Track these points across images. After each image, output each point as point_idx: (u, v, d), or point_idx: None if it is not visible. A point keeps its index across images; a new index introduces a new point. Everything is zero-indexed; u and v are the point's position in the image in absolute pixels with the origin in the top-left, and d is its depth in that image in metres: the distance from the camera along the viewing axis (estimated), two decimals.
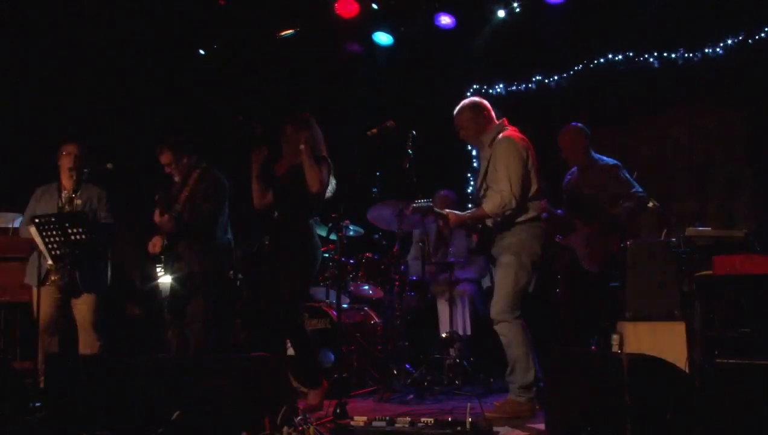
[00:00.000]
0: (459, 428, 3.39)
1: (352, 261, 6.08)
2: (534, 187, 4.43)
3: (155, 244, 4.90)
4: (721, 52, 6.43)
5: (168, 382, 3.73)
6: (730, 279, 3.89)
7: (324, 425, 3.84)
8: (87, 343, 5.14)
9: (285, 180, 4.82)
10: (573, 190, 5.52)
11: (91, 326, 5.14)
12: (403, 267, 5.84)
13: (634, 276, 4.47)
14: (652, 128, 6.97)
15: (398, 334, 5.78)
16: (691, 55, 6.61)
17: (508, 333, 4.33)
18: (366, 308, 6.34)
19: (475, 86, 7.89)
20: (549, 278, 5.54)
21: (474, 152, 7.61)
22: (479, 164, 4.93)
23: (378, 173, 5.86)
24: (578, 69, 7.27)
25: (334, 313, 5.38)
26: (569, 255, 5.41)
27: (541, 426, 3.75)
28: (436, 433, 3.41)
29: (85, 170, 5.06)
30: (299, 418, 3.55)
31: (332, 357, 5.59)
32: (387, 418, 3.56)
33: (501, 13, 6.99)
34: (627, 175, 5.43)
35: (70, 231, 4.63)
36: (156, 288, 4.99)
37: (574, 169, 5.59)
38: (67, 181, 5.26)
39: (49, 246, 4.72)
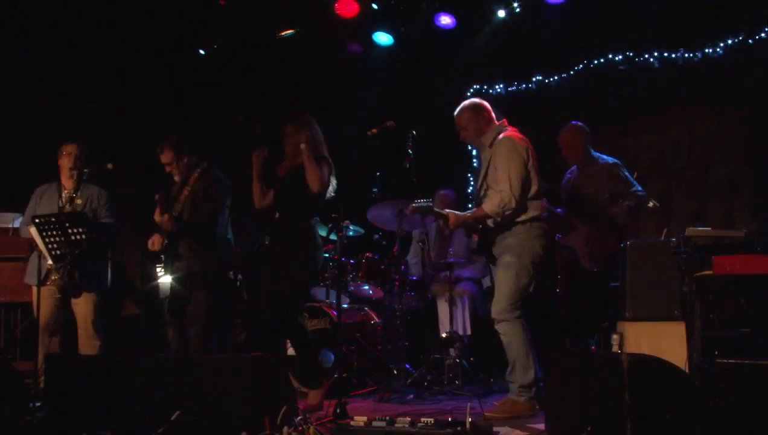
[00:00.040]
0: (459, 428, 3.39)
1: (352, 261, 6.08)
2: (534, 187, 4.43)
3: (154, 242, 4.90)
4: (721, 52, 6.43)
5: (168, 382, 3.73)
6: (730, 279, 3.88)
7: (324, 425, 3.84)
8: (87, 343, 5.14)
9: (286, 180, 4.82)
10: (573, 188, 5.52)
11: (91, 326, 5.14)
12: (403, 267, 5.84)
13: (634, 276, 4.46)
14: (652, 128, 6.97)
15: (398, 334, 5.78)
16: (691, 55, 6.61)
17: (509, 332, 4.33)
18: (366, 308, 6.34)
19: (475, 86, 7.90)
20: (549, 278, 5.54)
21: (474, 152, 7.61)
22: (479, 164, 4.93)
23: (378, 173, 5.86)
24: (578, 69, 7.27)
25: (334, 313, 5.38)
26: (569, 254, 5.41)
27: (541, 426, 3.75)
28: (436, 433, 3.41)
29: (86, 170, 5.06)
30: (299, 418, 3.55)
31: (332, 357, 5.59)
32: (387, 418, 3.55)
33: (501, 13, 6.99)
34: (627, 173, 5.43)
35: (70, 231, 4.63)
36: (156, 288, 4.99)
37: (574, 167, 5.59)
38: (67, 181, 5.26)
39: (49, 246, 4.72)
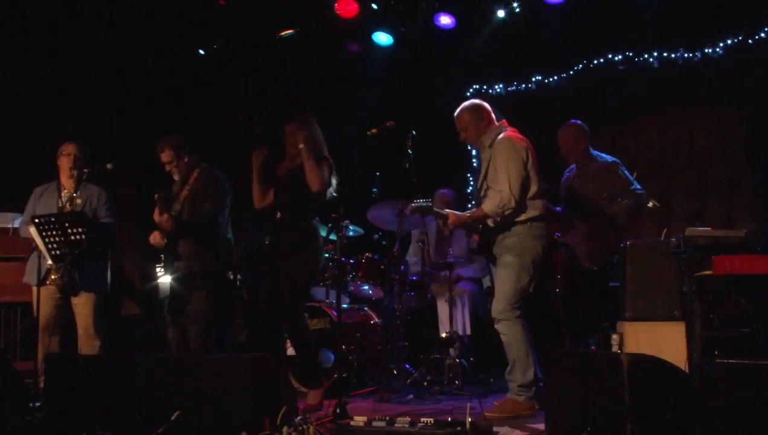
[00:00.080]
0: (459, 428, 3.39)
1: (352, 261, 6.08)
2: (534, 187, 4.43)
3: (155, 236, 4.90)
4: (721, 52, 6.43)
5: (168, 382, 3.73)
6: (730, 279, 3.88)
7: (324, 425, 3.84)
8: (87, 343, 5.14)
9: (286, 180, 4.83)
10: (572, 187, 5.52)
11: (91, 326, 5.14)
12: (403, 267, 5.84)
13: (634, 276, 4.46)
14: (652, 128, 6.97)
15: (398, 334, 5.78)
16: (691, 55, 6.61)
17: (509, 332, 4.34)
18: (366, 308, 6.35)
19: (475, 86, 7.90)
20: (549, 278, 5.54)
21: (474, 152, 7.62)
22: (479, 165, 4.93)
23: (378, 173, 5.87)
24: (578, 69, 7.28)
25: (334, 313, 5.39)
26: (568, 253, 5.41)
27: (541, 426, 3.75)
28: (436, 433, 3.41)
29: (85, 170, 5.06)
30: (299, 418, 3.55)
31: (332, 357, 5.59)
32: (387, 418, 3.56)
33: (501, 13, 6.99)
34: (626, 172, 5.42)
35: (70, 231, 4.64)
36: (156, 288, 4.99)
37: (573, 166, 5.59)
38: (66, 181, 5.26)
39: (49, 246, 4.72)
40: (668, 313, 4.30)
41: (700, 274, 4.02)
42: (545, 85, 7.55)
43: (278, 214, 4.78)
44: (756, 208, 6.21)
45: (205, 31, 7.46)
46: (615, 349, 4.38)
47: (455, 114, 4.65)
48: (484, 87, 7.89)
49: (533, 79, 7.62)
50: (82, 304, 5.14)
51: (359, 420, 3.61)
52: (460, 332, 6.05)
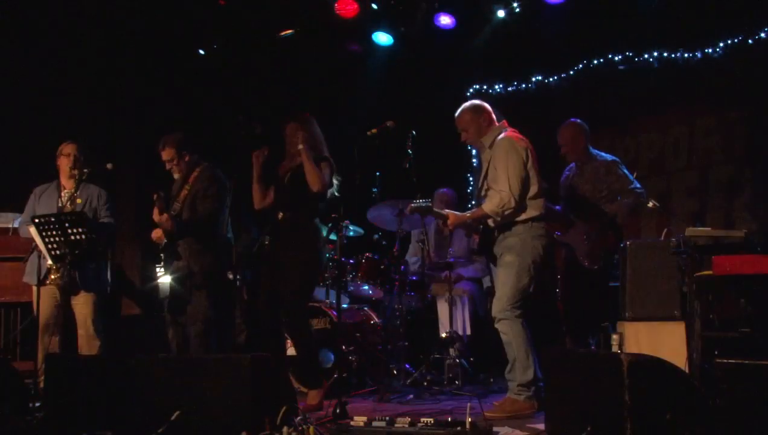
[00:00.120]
0: (459, 428, 3.39)
1: (352, 261, 6.08)
2: (534, 187, 4.44)
3: (158, 232, 4.90)
4: (721, 52, 6.43)
5: (168, 382, 3.73)
6: (730, 279, 3.88)
7: (324, 425, 3.84)
8: (87, 343, 5.14)
9: (288, 180, 4.83)
10: (571, 186, 5.52)
11: (91, 326, 5.13)
12: (403, 267, 5.84)
13: (634, 276, 4.46)
14: (652, 128, 6.97)
15: (398, 334, 5.78)
16: (691, 55, 6.62)
17: (509, 331, 4.34)
18: (366, 308, 6.34)
19: (475, 86, 7.90)
20: (549, 277, 5.54)
21: (474, 152, 7.62)
22: (480, 165, 4.93)
23: (378, 173, 5.86)
24: (578, 69, 7.28)
25: (334, 313, 5.39)
26: (568, 252, 5.41)
27: (541, 426, 3.75)
28: (436, 433, 3.41)
29: (85, 170, 5.06)
30: (299, 418, 3.55)
31: (332, 357, 5.59)
32: (387, 418, 3.55)
33: (501, 13, 6.99)
34: (625, 171, 5.42)
35: (70, 231, 4.63)
36: (156, 288, 4.99)
37: (573, 165, 5.59)
38: (66, 181, 5.26)
39: (49, 246, 4.72)
40: (668, 313, 4.30)
41: (700, 274, 4.02)
42: (545, 85, 7.55)
43: (280, 214, 4.78)
44: (756, 208, 6.21)
45: (205, 31, 7.46)
46: (615, 349, 4.38)
47: (456, 114, 4.65)
48: (484, 87, 7.89)
49: (533, 79, 7.62)
50: (82, 304, 5.14)
51: (359, 420, 3.60)
52: (460, 332, 6.05)
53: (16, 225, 5.70)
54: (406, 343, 5.79)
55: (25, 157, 6.37)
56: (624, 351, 4.28)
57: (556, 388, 3.56)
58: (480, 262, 6.28)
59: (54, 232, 4.66)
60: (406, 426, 3.48)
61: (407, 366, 5.81)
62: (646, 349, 4.11)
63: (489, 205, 4.40)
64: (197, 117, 7.13)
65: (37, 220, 4.71)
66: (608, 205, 5.32)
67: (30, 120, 6.59)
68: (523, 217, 4.42)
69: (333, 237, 5.34)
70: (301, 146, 4.67)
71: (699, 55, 6.56)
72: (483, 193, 4.57)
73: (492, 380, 5.61)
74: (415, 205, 4.69)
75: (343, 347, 5.68)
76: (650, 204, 5.14)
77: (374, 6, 7.15)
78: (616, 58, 7.00)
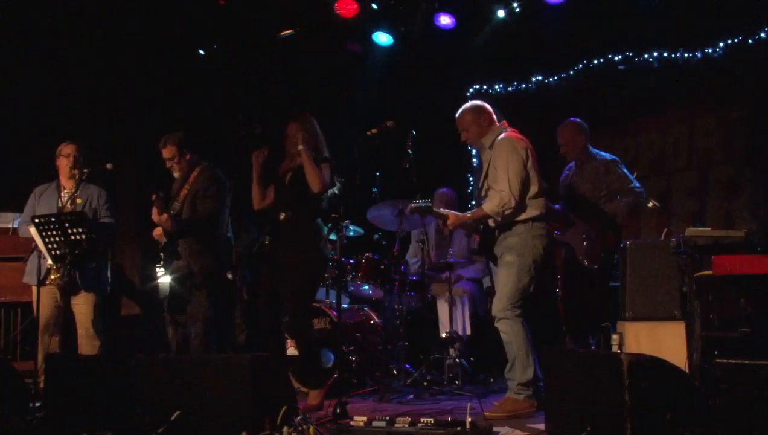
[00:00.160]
0: (459, 428, 3.39)
1: (352, 261, 6.07)
2: (535, 187, 4.44)
3: (158, 231, 4.90)
4: (721, 52, 6.43)
5: (168, 382, 3.73)
6: (730, 279, 3.88)
7: (324, 425, 3.84)
8: (87, 343, 5.14)
9: (288, 181, 4.83)
10: (570, 185, 5.52)
11: (91, 326, 5.13)
12: (403, 267, 5.84)
13: (634, 276, 4.47)
14: (652, 128, 6.97)
15: (398, 334, 5.78)
16: (691, 55, 6.62)
17: (509, 330, 4.35)
18: (366, 308, 6.34)
19: (475, 86, 7.90)
20: (549, 277, 5.54)
21: (474, 152, 7.62)
22: (480, 165, 4.94)
23: (378, 173, 5.86)
24: (578, 69, 7.28)
25: (334, 313, 5.39)
26: (568, 252, 5.41)
27: (541, 426, 3.75)
28: (436, 433, 3.41)
29: (85, 170, 5.06)
30: (299, 418, 3.55)
31: (332, 357, 5.60)
32: (387, 418, 3.56)
33: (501, 13, 6.99)
34: (625, 170, 5.42)
35: (70, 231, 4.63)
36: (156, 288, 4.99)
37: (572, 164, 5.59)
38: (66, 182, 5.26)
39: (49, 246, 4.72)
40: (668, 313, 4.30)
41: (700, 274, 4.02)
42: (545, 85, 7.55)
43: (282, 215, 4.78)
44: (756, 208, 6.21)
45: (205, 31, 7.46)
46: (615, 349, 4.38)
47: (457, 114, 4.66)
48: (484, 87, 7.89)
49: (533, 79, 7.62)
50: (82, 304, 5.14)
51: (359, 420, 3.60)
52: (460, 332, 6.05)
53: (16, 225, 5.70)
54: (406, 343, 5.79)
55: (25, 157, 6.37)
56: (624, 351, 4.28)
57: (556, 388, 3.57)
58: (480, 263, 6.28)
59: (54, 232, 4.66)
60: (406, 426, 3.49)
61: (407, 366, 5.81)
62: (646, 349, 4.11)
63: (489, 205, 4.41)
64: (197, 117, 7.13)
65: (37, 220, 4.71)
66: (608, 204, 5.32)
67: (30, 120, 6.59)
68: (523, 216, 4.43)
69: (333, 237, 5.34)
70: (301, 147, 4.68)
71: (699, 55, 6.56)
72: (483, 193, 4.57)
73: (492, 380, 5.61)
74: (415, 205, 4.69)
75: (343, 347, 5.68)
76: (650, 204, 5.14)
77: (374, 6, 7.15)
78: (616, 58, 7.00)
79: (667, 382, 3.01)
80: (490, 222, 4.53)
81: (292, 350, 5.30)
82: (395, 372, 5.69)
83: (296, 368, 5.18)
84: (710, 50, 6.48)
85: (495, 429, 3.73)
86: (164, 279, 4.90)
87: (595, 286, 5.23)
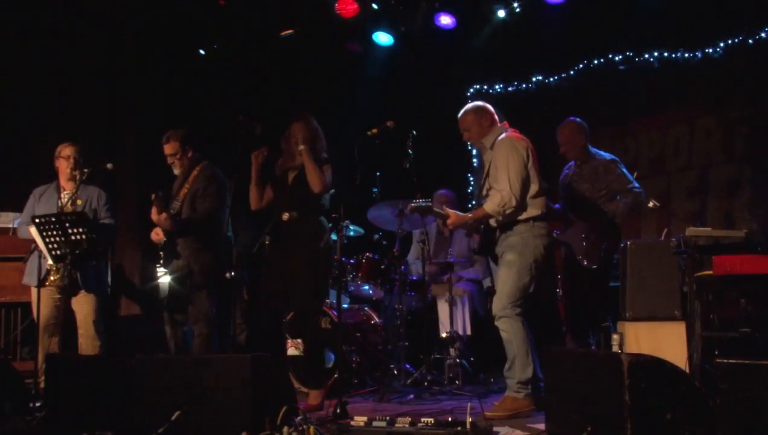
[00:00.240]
0: (459, 428, 3.39)
1: (352, 261, 6.08)
2: (535, 187, 4.45)
3: (158, 232, 4.90)
4: (721, 52, 6.43)
5: (168, 382, 3.73)
6: (730, 279, 3.88)
7: (324, 425, 3.84)
8: (87, 343, 5.14)
9: (293, 181, 4.83)
10: (570, 184, 5.52)
11: (92, 326, 5.14)
12: (403, 267, 5.84)
13: (634, 276, 4.47)
14: (652, 128, 6.97)
15: (398, 334, 5.78)
16: (691, 55, 6.62)
17: (509, 329, 4.35)
18: (366, 308, 6.34)
19: (475, 86, 7.90)
20: (550, 277, 5.54)
21: (474, 152, 7.62)
22: (480, 165, 4.94)
23: (378, 173, 5.86)
24: (578, 69, 7.28)
25: (334, 313, 5.38)
26: (567, 251, 5.41)
27: (542, 426, 3.75)
28: (436, 433, 3.41)
29: (86, 170, 5.06)
30: (299, 418, 3.55)
31: (332, 357, 5.59)
32: (387, 418, 3.56)
33: (501, 13, 6.99)
34: (624, 170, 5.42)
35: (70, 231, 4.63)
36: (156, 288, 4.99)
37: (572, 163, 5.59)
38: (66, 183, 5.25)
39: (50, 246, 4.72)
40: (668, 313, 4.30)
41: (700, 274, 4.03)
42: (545, 85, 7.55)
43: (285, 215, 4.78)
44: (756, 208, 6.21)
45: (205, 31, 7.46)
46: (615, 349, 4.38)
47: (459, 114, 4.67)
48: (484, 87, 7.89)
49: (533, 79, 7.62)
50: (83, 305, 5.14)
51: (359, 420, 3.61)
52: (461, 332, 6.05)
53: (15, 225, 5.70)
54: (407, 343, 5.79)
55: (25, 157, 6.37)
56: (624, 351, 4.29)
57: (556, 388, 3.57)
58: (480, 264, 6.28)
59: (54, 232, 4.66)
60: (407, 426, 3.49)
61: (407, 366, 5.81)
62: (646, 349, 4.11)
63: (490, 205, 4.41)
64: (197, 117, 7.13)
65: (37, 220, 4.71)
66: (607, 204, 5.32)
67: (30, 120, 6.59)
68: (524, 216, 4.43)
69: (333, 237, 5.34)
70: (302, 147, 4.68)
71: (699, 55, 6.56)
72: (485, 192, 4.58)
73: (492, 380, 5.61)
74: (416, 204, 4.70)
75: (343, 347, 5.68)
76: (650, 204, 5.14)
77: (374, 6, 7.15)
78: (616, 58, 7.00)
79: (667, 382, 3.01)
80: (491, 221, 4.53)
81: (292, 350, 5.30)
82: (395, 372, 5.69)
83: (296, 368, 5.17)
84: (710, 50, 6.48)
85: (495, 429, 3.73)
86: (164, 279, 4.90)
87: (595, 286, 5.23)
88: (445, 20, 7.12)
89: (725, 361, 2.89)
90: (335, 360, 5.46)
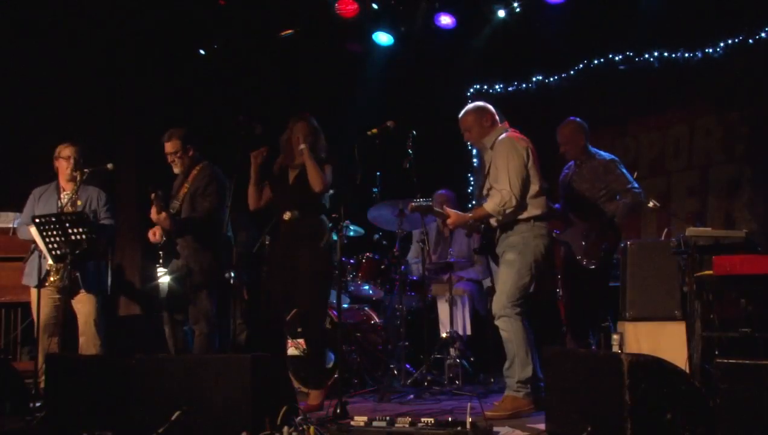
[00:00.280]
0: (459, 428, 3.39)
1: (352, 261, 6.08)
2: (535, 187, 4.45)
3: (155, 232, 4.90)
4: (721, 52, 6.44)
5: (168, 382, 3.73)
6: (730, 279, 3.88)
7: (324, 425, 3.84)
8: (89, 343, 5.14)
9: (294, 180, 4.83)
10: (570, 184, 5.52)
11: (93, 326, 5.14)
12: (403, 267, 5.84)
13: (634, 276, 4.47)
14: (652, 128, 6.97)
15: (398, 334, 5.78)
16: (691, 55, 6.62)
17: (509, 328, 4.35)
18: (366, 308, 6.34)
19: (475, 86, 7.90)
20: (550, 277, 5.54)
21: (474, 152, 7.62)
22: (480, 165, 4.94)
23: (378, 173, 5.86)
24: (578, 69, 7.28)
25: (334, 313, 5.39)
26: (566, 251, 5.41)
27: (542, 426, 3.75)
28: (436, 433, 3.41)
29: (86, 170, 5.05)
30: (299, 418, 3.55)
31: (332, 357, 5.59)
32: (387, 418, 3.56)
33: (501, 13, 6.99)
34: (624, 170, 5.42)
35: (70, 231, 4.63)
36: (156, 288, 4.99)
37: (572, 163, 5.59)
38: (65, 183, 5.25)
39: (50, 246, 4.72)
40: (668, 313, 4.30)
41: (700, 274, 4.02)
42: (545, 85, 7.56)
43: (288, 214, 4.78)
44: (756, 208, 6.21)
45: (205, 31, 7.46)
46: (615, 349, 4.38)
47: (460, 115, 4.67)
48: (484, 87, 7.89)
49: (533, 79, 7.62)
50: (84, 305, 5.14)
51: (360, 420, 3.61)
52: (461, 332, 6.05)
53: (15, 225, 5.70)
54: (407, 343, 5.79)
55: (25, 157, 6.37)
56: (624, 351, 4.28)
57: (556, 388, 3.57)
58: (480, 265, 6.28)
59: (54, 232, 4.66)
60: (407, 426, 3.49)
61: (407, 366, 5.81)
62: (647, 349, 4.11)
63: (490, 204, 4.42)
64: (197, 117, 7.13)
65: (37, 220, 4.71)
66: (607, 204, 5.32)
67: (30, 120, 6.58)
68: (525, 215, 4.44)
69: (333, 237, 5.34)
70: (302, 146, 4.69)
71: (699, 55, 6.56)
72: (485, 192, 4.58)
73: (492, 380, 5.61)
74: (416, 203, 4.70)
75: (344, 347, 5.68)
76: (650, 204, 5.14)
77: (374, 6, 7.15)
78: (616, 58, 7.00)
79: (667, 382, 3.01)
80: (492, 221, 4.54)
81: (292, 350, 5.30)
82: (395, 372, 5.69)
83: (296, 368, 5.18)
84: (710, 50, 6.49)
85: (495, 429, 3.73)
86: (164, 279, 4.90)
87: (595, 286, 5.23)
88: (445, 20, 7.12)
89: (725, 361, 2.89)
90: (335, 360, 5.47)
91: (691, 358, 3.99)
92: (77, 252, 4.64)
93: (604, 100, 7.01)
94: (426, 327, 5.64)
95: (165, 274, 4.88)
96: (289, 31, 7.37)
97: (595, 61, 7.14)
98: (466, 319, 6.17)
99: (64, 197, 5.20)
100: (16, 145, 6.53)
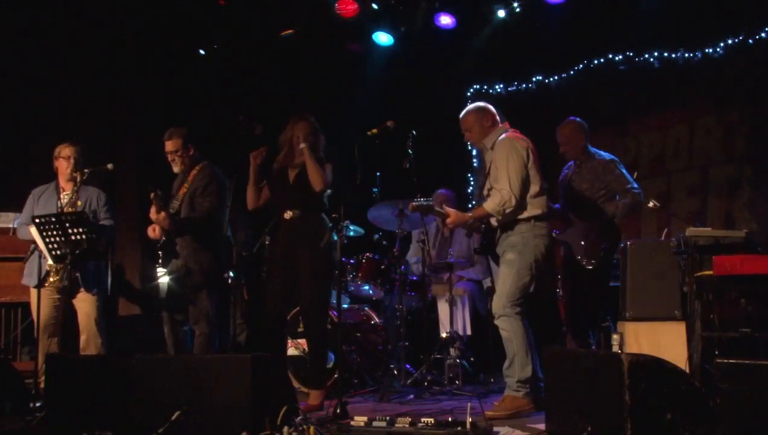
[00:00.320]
0: (459, 428, 3.39)
1: (352, 261, 6.08)
2: (536, 187, 4.45)
3: (155, 228, 4.90)
4: (721, 52, 6.44)
5: (168, 382, 3.73)
6: (730, 279, 3.89)
7: (324, 425, 3.84)
8: (89, 343, 5.14)
9: (295, 180, 4.83)
10: (569, 184, 5.53)
11: (94, 326, 5.14)
12: (403, 267, 5.84)
13: (634, 276, 4.47)
14: (652, 128, 6.97)
15: (398, 334, 5.78)
16: (691, 55, 6.62)
17: (509, 328, 4.35)
18: (366, 308, 6.34)
19: (475, 86, 7.91)
20: (550, 277, 5.54)
21: (474, 152, 7.62)
22: (481, 165, 4.94)
23: (378, 173, 5.87)
24: (578, 69, 7.28)
25: (334, 313, 5.39)
26: (566, 251, 5.41)
27: (542, 426, 3.75)
28: (437, 433, 3.41)
29: (86, 170, 5.05)
30: (299, 418, 3.55)
31: (332, 357, 5.59)
32: (387, 418, 3.56)
33: (501, 13, 6.99)
34: (624, 170, 5.42)
35: (70, 231, 4.63)
36: (156, 288, 4.99)
37: (571, 163, 5.59)
38: (65, 183, 5.25)
39: (50, 246, 4.72)
40: (668, 313, 4.30)
41: (700, 274, 4.02)
42: (545, 85, 7.56)
43: (289, 213, 4.77)
44: (756, 208, 6.21)
45: (205, 31, 7.46)
46: (615, 349, 4.38)
47: (461, 115, 4.67)
48: (484, 87, 7.89)
49: (533, 79, 7.63)
50: (84, 305, 5.14)
51: (359, 420, 3.61)
52: (461, 332, 6.06)
53: (15, 225, 5.70)
54: (407, 343, 5.79)
55: (25, 157, 6.37)
56: (624, 351, 4.29)
57: (557, 388, 3.57)
58: (480, 265, 6.28)
59: (54, 232, 4.66)
60: (407, 426, 3.49)
61: (407, 366, 5.81)
62: (647, 349, 4.11)
63: (490, 204, 4.42)
64: (197, 117, 7.13)
65: (37, 220, 4.70)
66: (607, 204, 5.32)
67: (30, 120, 6.59)
68: (525, 215, 4.44)
69: (334, 237, 5.34)
70: (303, 145, 4.69)
71: (699, 55, 6.57)
72: (486, 192, 4.59)
73: (492, 380, 5.61)
74: (417, 203, 4.70)
75: (344, 347, 5.68)
76: (650, 204, 5.14)
77: (374, 6, 7.15)
78: (617, 58, 7.01)
79: (667, 382, 3.01)
80: (492, 221, 4.54)
81: (292, 350, 5.30)
82: (395, 372, 5.69)
83: (296, 368, 5.17)
84: (710, 50, 6.49)
85: (495, 429, 3.73)
86: (164, 279, 4.90)
87: (595, 286, 5.23)
88: (445, 20, 7.12)
89: (725, 361, 2.89)
90: (335, 360, 5.47)
91: (691, 358, 3.99)
92: (77, 252, 4.64)
93: (604, 100, 7.01)
94: (426, 327, 5.65)
95: (165, 274, 4.88)
96: (289, 31, 7.37)
97: (595, 61, 7.14)
98: (466, 319, 6.17)
99: (64, 197, 5.20)
100: (16, 145, 6.53)
